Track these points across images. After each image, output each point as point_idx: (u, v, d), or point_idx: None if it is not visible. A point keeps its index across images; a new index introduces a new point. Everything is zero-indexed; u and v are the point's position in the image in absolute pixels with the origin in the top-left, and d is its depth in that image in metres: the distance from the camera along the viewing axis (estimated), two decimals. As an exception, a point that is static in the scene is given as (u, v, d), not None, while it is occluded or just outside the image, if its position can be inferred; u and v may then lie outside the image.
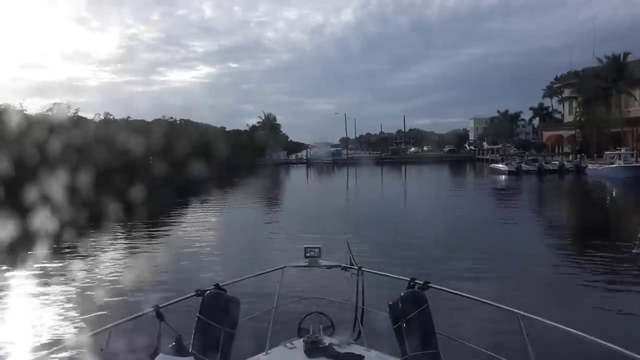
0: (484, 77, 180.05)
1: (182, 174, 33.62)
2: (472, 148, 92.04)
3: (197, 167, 32.94)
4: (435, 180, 54.59)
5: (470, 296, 4.48)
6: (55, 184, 19.73)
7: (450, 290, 4.45)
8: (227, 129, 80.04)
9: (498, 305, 4.04)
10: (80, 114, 36.23)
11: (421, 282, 4.17)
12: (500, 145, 79.04)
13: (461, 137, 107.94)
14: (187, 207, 29.12)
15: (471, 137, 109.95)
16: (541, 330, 3.72)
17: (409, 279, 4.25)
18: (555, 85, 79.43)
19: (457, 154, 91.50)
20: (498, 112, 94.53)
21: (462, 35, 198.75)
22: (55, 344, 7.82)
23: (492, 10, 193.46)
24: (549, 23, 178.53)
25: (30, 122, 25.61)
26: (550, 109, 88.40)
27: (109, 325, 3.73)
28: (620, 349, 3.03)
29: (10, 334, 9.42)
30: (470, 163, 78.01)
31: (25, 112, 29.23)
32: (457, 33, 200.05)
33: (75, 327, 9.48)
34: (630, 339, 6.13)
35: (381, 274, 5.14)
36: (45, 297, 11.92)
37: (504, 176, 51.16)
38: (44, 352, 3.82)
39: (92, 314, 10.17)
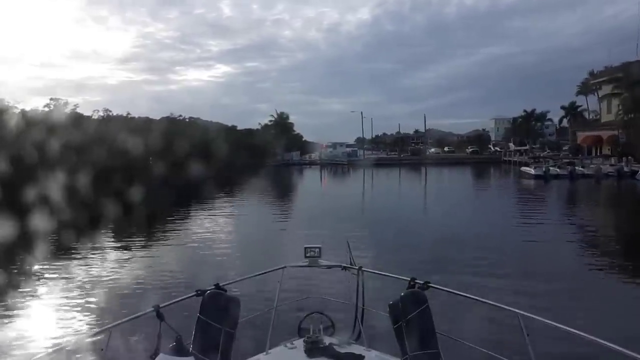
0: (502, 76, 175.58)
1: (185, 174, 33.16)
2: (498, 149, 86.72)
3: (200, 167, 32.33)
4: (461, 186, 48.06)
5: (470, 296, 4.47)
6: (52, 184, 19.69)
7: (451, 290, 4.44)
8: (238, 128, 77.67)
9: (498, 305, 4.04)
10: (79, 110, 35.82)
11: (421, 282, 4.17)
12: (527, 147, 74.08)
13: (482, 137, 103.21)
14: (187, 208, 28.89)
15: (492, 137, 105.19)
16: (541, 330, 3.72)
17: (409, 279, 4.25)
18: (591, 82, 72.79)
19: (481, 155, 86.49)
20: (525, 111, 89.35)
21: (480, 34, 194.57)
22: (55, 344, 7.83)
23: (511, 9, 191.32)
24: (570, 22, 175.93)
25: (26, 120, 25.40)
26: (580, 108, 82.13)
27: (109, 325, 3.74)
28: (620, 348, 3.03)
29: (10, 334, 9.42)
30: (496, 165, 71.96)
31: (17, 109, 28.84)
32: (475, 32, 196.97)
33: (75, 327, 9.48)
34: None
35: (381, 274, 5.14)
36: (45, 297, 11.93)
37: (531, 180, 46.33)
38: (44, 352, 3.80)
39: (92, 314, 10.18)
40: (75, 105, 35.82)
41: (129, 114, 43.99)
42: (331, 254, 5.34)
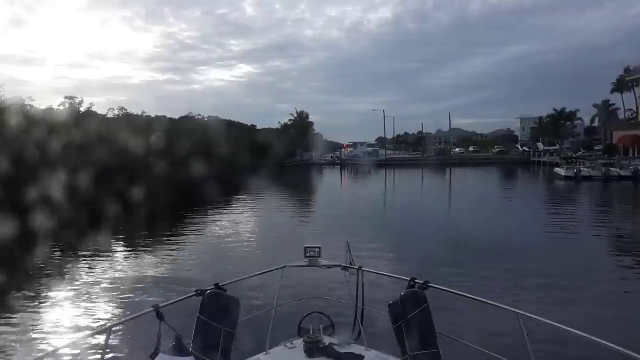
0: (527, 75, 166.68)
1: (192, 173, 32.35)
2: (527, 149, 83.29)
3: (210, 167, 31.51)
4: (485, 189, 43.13)
5: (470, 296, 4.47)
6: (52, 183, 19.62)
7: (450, 290, 4.44)
8: (257, 128, 76.34)
9: (498, 305, 4.04)
10: (95, 109, 35.39)
11: (421, 282, 4.17)
12: (557, 147, 71.99)
13: (508, 137, 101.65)
14: (193, 209, 28.35)
15: (518, 137, 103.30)
16: (541, 330, 3.72)
17: (409, 279, 4.25)
18: (627, 79, 69.21)
19: (508, 155, 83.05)
20: (554, 110, 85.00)
21: (504, 33, 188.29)
22: (55, 344, 7.84)
23: (537, 5, 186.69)
24: (597, 19, 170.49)
25: (29, 119, 25.13)
26: (613, 107, 78.61)
27: (109, 325, 3.74)
28: (620, 348, 3.03)
29: (11, 333, 9.43)
30: (524, 166, 68.21)
31: (30, 108, 28.51)
32: (499, 30, 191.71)
33: (75, 327, 9.48)
34: None
35: (381, 274, 5.15)
36: (46, 297, 11.92)
37: (561, 182, 44.00)
38: (44, 352, 3.81)
39: (92, 314, 10.19)
40: (90, 104, 35.52)
41: (144, 112, 43.05)
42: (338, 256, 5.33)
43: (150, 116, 43.13)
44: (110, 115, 38.52)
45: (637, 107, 67.60)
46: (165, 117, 47.61)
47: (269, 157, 56.65)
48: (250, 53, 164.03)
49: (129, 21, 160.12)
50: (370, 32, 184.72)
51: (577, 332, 3.36)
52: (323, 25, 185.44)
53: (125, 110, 40.55)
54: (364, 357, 4.17)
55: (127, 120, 36.49)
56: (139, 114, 42.02)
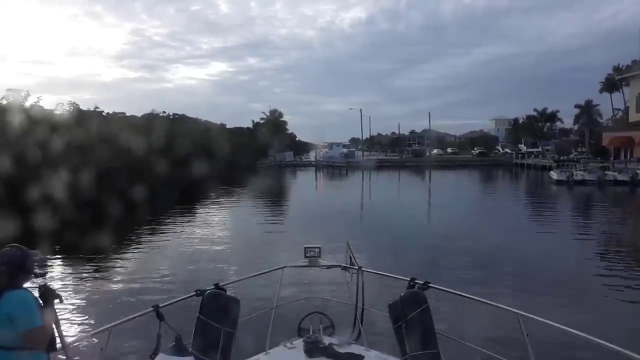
0: (499, 77, 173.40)
1: (163, 176, 30.22)
2: (508, 151, 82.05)
3: (180, 170, 30.18)
4: (474, 194, 39.23)
5: (470, 296, 4.48)
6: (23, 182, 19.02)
7: (450, 290, 4.45)
8: (227, 127, 72.12)
9: (498, 305, 4.04)
10: (42, 104, 32.74)
11: (421, 282, 4.17)
12: (539, 148, 70.34)
13: (489, 138, 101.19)
14: (174, 211, 27.64)
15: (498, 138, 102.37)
16: (541, 330, 3.72)
17: (409, 279, 4.26)
18: (617, 77, 64.93)
19: (490, 157, 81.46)
20: (535, 110, 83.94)
21: (477, 33, 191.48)
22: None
23: (509, 7, 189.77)
24: (567, 21, 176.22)
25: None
26: (597, 107, 76.00)
27: (109, 325, 3.73)
28: (620, 348, 3.03)
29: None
30: (507, 168, 66.06)
31: None
32: (471, 31, 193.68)
33: (75, 327, 9.48)
34: None
35: (381, 274, 5.15)
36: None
37: (552, 186, 42.07)
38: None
39: (92, 314, 10.18)
40: (38, 98, 33.26)
41: (97, 107, 40.98)
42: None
43: (102, 112, 40.98)
44: (59, 111, 36.07)
45: (627, 107, 63.11)
46: (123, 113, 45.94)
47: (239, 157, 54.27)
48: (222, 51, 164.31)
49: (99, 17, 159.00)
50: (344, 32, 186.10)
51: (577, 332, 3.37)
52: (296, 23, 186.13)
53: (77, 105, 38.54)
54: (364, 357, 4.17)
55: (77, 117, 34.09)
56: (91, 109, 39.71)
